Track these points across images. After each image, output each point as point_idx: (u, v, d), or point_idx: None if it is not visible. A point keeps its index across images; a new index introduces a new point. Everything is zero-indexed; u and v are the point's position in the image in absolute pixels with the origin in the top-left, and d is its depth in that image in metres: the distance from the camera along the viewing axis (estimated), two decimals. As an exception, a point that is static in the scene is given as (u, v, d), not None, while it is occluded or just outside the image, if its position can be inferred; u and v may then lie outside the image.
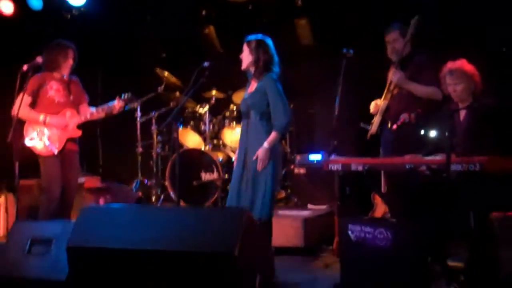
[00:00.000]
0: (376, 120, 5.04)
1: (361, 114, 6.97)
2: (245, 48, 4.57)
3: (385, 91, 5.03)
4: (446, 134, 3.89)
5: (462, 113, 4.32)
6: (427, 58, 4.91)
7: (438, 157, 4.01)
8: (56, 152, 5.24)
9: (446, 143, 3.73)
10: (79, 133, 5.40)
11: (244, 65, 4.61)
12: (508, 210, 3.34)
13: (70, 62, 5.41)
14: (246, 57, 4.58)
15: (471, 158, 3.67)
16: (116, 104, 5.44)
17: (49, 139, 5.24)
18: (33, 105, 5.28)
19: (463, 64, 4.32)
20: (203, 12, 7.72)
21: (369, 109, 5.60)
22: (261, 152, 4.40)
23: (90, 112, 5.44)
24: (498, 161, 3.68)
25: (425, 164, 3.87)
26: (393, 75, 4.92)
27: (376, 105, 5.14)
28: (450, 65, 4.34)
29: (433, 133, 4.38)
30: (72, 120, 5.34)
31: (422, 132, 4.43)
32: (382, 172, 5.17)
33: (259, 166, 4.39)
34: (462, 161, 3.67)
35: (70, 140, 5.34)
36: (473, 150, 3.82)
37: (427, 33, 5.29)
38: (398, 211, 4.42)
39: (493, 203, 3.72)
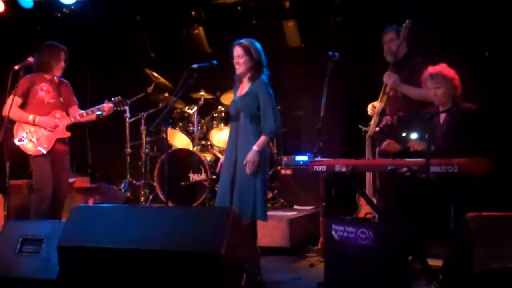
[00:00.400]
0: (373, 122, 5.14)
1: (348, 115, 7.15)
2: (240, 52, 4.58)
3: (381, 94, 5.13)
4: (426, 136, 4.01)
5: (442, 116, 4.44)
6: (421, 60, 5.00)
7: (419, 159, 4.14)
8: (45, 152, 5.30)
9: (426, 145, 3.85)
10: (68, 134, 5.47)
11: (242, 69, 4.62)
12: (485, 210, 3.45)
13: (62, 64, 5.48)
14: (245, 62, 4.59)
15: (450, 160, 3.79)
16: (106, 107, 5.52)
17: (38, 139, 5.31)
18: (23, 105, 5.35)
19: (443, 68, 4.44)
20: (192, 13, 7.78)
21: (356, 111, 5.72)
22: (250, 155, 4.48)
23: (80, 114, 5.52)
24: (476, 163, 3.81)
25: (406, 165, 3.98)
26: (388, 78, 5.02)
27: (373, 107, 5.24)
28: (431, 69, 4.46)
29: (414, 135, 4.49)
30: (61, 121, 5.41)
31: (404, 134, 4.55)
32: (367, 174, 5.34)
33: (249, 169, 4.47)
34: (441, 163, 3.79)
35: (59, 140, 5.41)
36: (452, 152, 3.93)
37: (420, 36, 5.41)
38: (382, 211, 4.51)
39: (470, 203, 3.84)
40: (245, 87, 4.68)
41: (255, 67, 4.60)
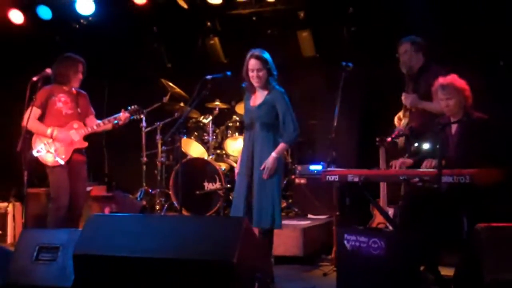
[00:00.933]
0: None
1: (362, 125, 7.17)
2: (259, 65, 4.60)
3: (403, 110, 5.16)
4: (437, 146, 4.03)
5: (454, 127, 4.44)
6: (438, 69, 4.97)
7: (431, 169, 4.15)
8: (63, 163, 5.39)
9: (438, 156, 3.87)
10: (85, 144, 5.55)
11: (261, 82, 4.64)
12: (497, 220, 3.46)
13: (80, 76, 5.56)
14: (264, 75, 4.62)
15: (461, 170, 3.79)
16: (122, 116, 5.60)
17: (55, 150, 5.40)
18: (42, 116, 5.44)
19: (454, 79, 4.45)
20: (208, 24, 7.87)
21: (370, 121, 5.73)
22: (270, 161, 4.55)
23: (97, 124, 5.60)
24: (487, 173, 3.82)
25: (418, 175, 3.99)
26: (405, 100, 5.04)
27: (399, 118, 5.26)
28: (442, 80, 4.47)
29: (426, 146, 4.50)
30: (78, 132, 5.49)
31: (416, 144, 4.56)
32: (381, 184, 5.35)
33: (266, 175, 4.53)
34: (453, 173, 3.80)
35: (76, 151, 5.49)
36: (464, 162, 3.94)
37: (435, 48, 5.42)
38: (395, 221, 4.52)
39: (482, 214, 3.85)
40: (259, 96, 4.72)
41: (268, 77, 4.66)
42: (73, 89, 5.60)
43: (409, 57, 5.09)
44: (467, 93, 4.41)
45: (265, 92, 4.69)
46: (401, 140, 5.13)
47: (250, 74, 4.64)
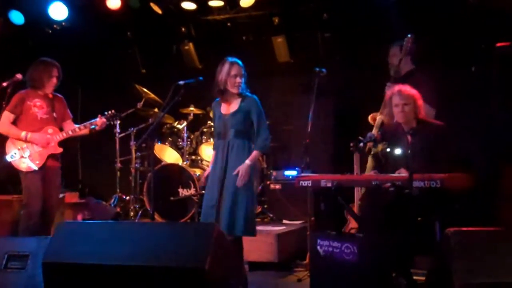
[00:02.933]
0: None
1: (336, 130, 7.21)
2: (242, 72, 4.62)
3: (382, 107, 5.16)
4: (408, 152, 4.06)
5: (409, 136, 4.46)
6: (421, 77, 5.05)
7: (403, 173, 4.19)
8: (36, 168, 5.31)
9: (408, 161, 3.90)
10: (60, 150, 5.47)
11: (240, 88, 4.64)
12: (468, 224, 3.49)
13: (54, 80, 5.48)
14: (243, 82, 4.65)
15: (432, 175, 3.83)
16: (99, 121, 5.53)
17: (30, 155, 5.32)
18: (16, 121, 5.36)
19: (409, 87, 4.54)
20: (182, 29, 7.85)
21: (345, 126, 5.76)
22: (243, 168, 4.53)
23: (72, 129, 5.52)
24: (457, 178, 3.86)
25: (390, 180, 4.01)
26: (388, 89, 5.05)
27: (373, 117, 5.28)
28: (399, 87, 4.53)
29: (398, 151, 4.52)
30: (53, 137, 5.41)
31: (388, 150, 4.58)
32: (356, 189, 5.36)
33: (240, 182, 4.52)
34: (424, 178, 3.83)
35: (51, 156, 5.40)
36: (430, 169, 3.98)
37: (423, 51, 5.46)
38: (367, 225, 4.53)
39: (453, 218, 3.88)
40: (233, 104, 4.71)
41: (242, 85, 4.67)
42: (50, 93, 5.50)
43: (396, 60, 5.13)
44: (420, 102, 4.48)
45: (239, 99, 4.68)
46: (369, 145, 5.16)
47: (234, 79, 4.61)
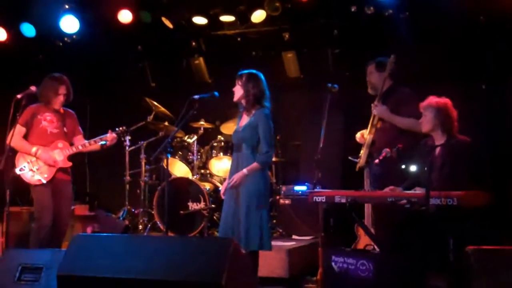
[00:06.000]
0: (363, 153, 5.18)
1: (346, 146, 7.20)
2: (237, 81, 4.73)
3: (369, 126, 5.19)
4: (425, 169, 4.05)
5: (437, 150, 4.48)
6: (406, 92, 5.08)
7: (418, 191, 4.18)
8: (45, 182, 5.32)
9: (425, 178, 3.89)
10: (69, 164, 5.49)
11: (235, 98, 4.76)
12: (484, 243, 3.48)
13: (61, 98, 5.48)
14: (238, 90, 4.73)
15: (449, 192, 3.82)
16: (109, 136, 5.54)
17: (38, 169, 5.33)
18: (27, 135, 5.38)
19: (445, 101, 4.51)
20: (193, 43, 7.88)
21: (353, 142, 5.75)
22: (238, 175, 4.61)
23: (82, 144, 5.54)
24: (474, 196, 3.85)
25: (406, 197, 4.01)
26: (375, 109, 5.09)
27: (362, 135, 5.29)
28: (431, 98, 4.54)
29: (413, 168, 4.53)
30: (63, 151, 5.42)
31: (403, 166, 4.58)
32: (366, 205, 5.36)
33: (231, 185, 4.61)
34: (441, 195, 3.83)
35: (61, 170, 5.43)
36: (448, 185, 3.98)
37: (407, 69, 5.48)
38: (382, 242, 4.53)
39: (469, 236, 3.87)
40: (245, 118, 4.79)
41: (249, 98, 4.70)
42: (61, 108, 5.54)
43: (374, 78, 5.16)
44: (450, 113, 4.46)
45: (250, 114, 4.73)
46: (361, 162, 5.17)
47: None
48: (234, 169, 4.73)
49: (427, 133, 4.59)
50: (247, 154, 4.68)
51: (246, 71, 4.76)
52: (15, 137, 5.21)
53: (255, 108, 4.70)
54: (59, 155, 5.42)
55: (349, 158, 5.24)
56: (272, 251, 5.58)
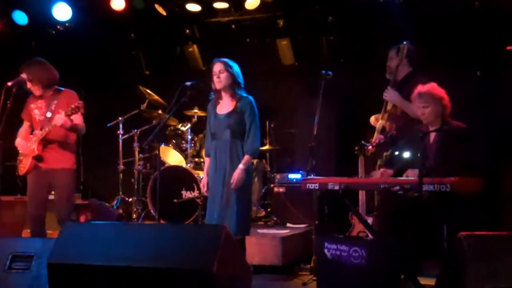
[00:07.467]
0: (374, 139, 5.12)
1: (341, 134, 7.19)
2: (222, 67, 4.65)
3: (382, 111, 5.12)
4: (419, 155, 4.02)
5: (432, 136, 4.44)
6: (422, 81, 4.99)
7: (411, 174, 4.16)
8: (23, 172, 5.17)
9: (419, 164, 3.86)
10: (34, 152, 5.06)
11: (222, 84, 4.66)
12: (477, 229, 3.46)
13: (29, 85, 5.13)
14: (227, 77, 4.65)
15: (442, 179, 3.79)
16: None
17: (21, 160, 5.19)
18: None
19: (432, 87, 4.44)
20: (187, 31, 7.82)
21: (349, 129, 5.76)
22: (237, 173, 4.56)
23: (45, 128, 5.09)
24: (467, 182, 3.83)
25: (399, 184, 3.98)
26: (387, 93, 5.00)
27: (376, 118, 5.24)
28: (420, 88, 4.46)
29: (406, 154, 4.50)
30: (33, 140, 5.12)
31: (396, 152, 4.55)
32: (360, 192, 5.34)
33: (235, 186, 4.55)
34: (434, 182, 3.79)
35: (46, 158, 5.11)
36: (443, 171, 3.94)
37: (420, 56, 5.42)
38: (375, 230, 4.50)
39: (463, 222, 3.85)
40: (228, 104, 4.72)
41: (235, 84, 4.67)
42: (50, 91, 5.21)
43: (393, 63, 5.08)
44: (445, 102, 4.40)
45: (234, 100, 4.69)
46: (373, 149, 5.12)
47: (214, 78, 4.68)
48: (221, 157, 4.67)
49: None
50: (233, 141, 4.64)
51: (222, 58, 4.71)
52: (20, 133, 5.17)
53: (237, 95, 4.68)
54: (33, 143, 5.11)
55: (362, 142, 5.13)
56: (267, 239, 5.63)
